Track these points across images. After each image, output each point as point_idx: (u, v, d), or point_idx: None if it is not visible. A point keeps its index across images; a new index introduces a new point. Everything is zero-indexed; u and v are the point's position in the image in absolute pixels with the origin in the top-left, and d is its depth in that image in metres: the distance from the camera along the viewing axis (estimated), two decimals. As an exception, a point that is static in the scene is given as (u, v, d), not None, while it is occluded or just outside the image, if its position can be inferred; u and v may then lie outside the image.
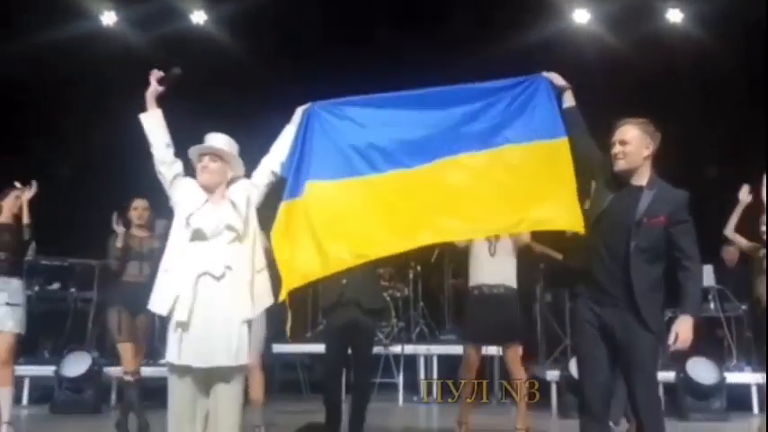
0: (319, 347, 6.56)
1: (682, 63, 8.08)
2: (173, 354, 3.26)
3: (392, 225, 3.74)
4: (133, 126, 3.52)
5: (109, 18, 8.55)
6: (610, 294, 3.29)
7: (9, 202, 5.07)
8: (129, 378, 5.26)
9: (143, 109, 3.49)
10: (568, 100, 3.65)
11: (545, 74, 3.68)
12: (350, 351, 4.97)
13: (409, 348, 7.28)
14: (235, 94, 8.10)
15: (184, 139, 3.55)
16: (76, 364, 6.58)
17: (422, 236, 3.76)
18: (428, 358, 7.29)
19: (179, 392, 3.28)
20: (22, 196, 5.06)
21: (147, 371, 6.66)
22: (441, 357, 7.23)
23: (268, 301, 3.49)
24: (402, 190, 3.75)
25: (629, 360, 3.25)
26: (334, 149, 3.77)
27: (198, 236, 3.32)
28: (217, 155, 3.44)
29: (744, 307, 6.92)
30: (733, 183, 5.66)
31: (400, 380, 7.18)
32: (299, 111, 3.80)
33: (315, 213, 3.69)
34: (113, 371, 6.45)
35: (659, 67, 7.98)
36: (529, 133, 3.66)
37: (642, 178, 3.36)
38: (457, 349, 6.32)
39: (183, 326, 3.23)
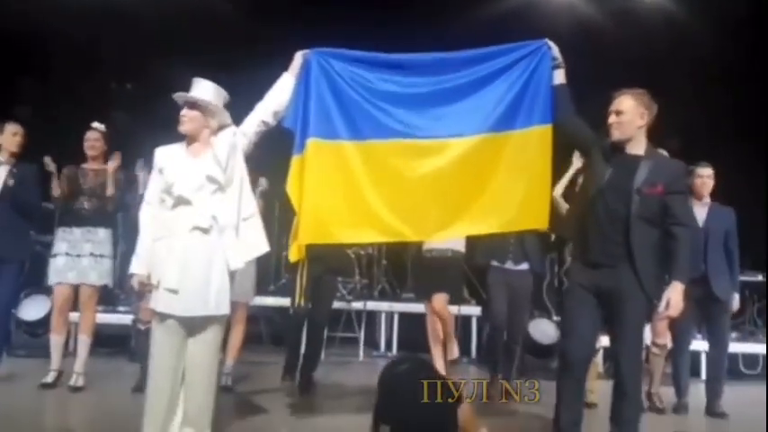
0: (281, 301, 6.62)
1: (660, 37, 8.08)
2: (156, 301, 3.27)
3: (383, 206, 3.69)
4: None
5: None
6: (608, 257, 3.36)
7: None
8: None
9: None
10: (560, 77, 3.60)
11: (549, 42, 3.61)
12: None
13: (371, 305, 7.39)
14: (222, 45, 7.87)
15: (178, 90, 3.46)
16: (35, 308, 6.51)
17: (404, 229, 3.75)
18: (389, 315, 7.43)
19: (161, 339, 3.30)
20: (108, 167, 4.99)
21: (106, 317, 6.66)
22: (402, 315, 7.35)
23: (260, 249, 3.45)
24: (398, 163, 3.69)
25: (619, 320, 3.35)
26: (338, 107, 3.66)
27: (181, 201, 3.29)
28: (194, 103, 3.38)
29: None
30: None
31: (362, 335, 7.29)
32: (298, 56, 3.68)
33: (312, 174, 3.62)
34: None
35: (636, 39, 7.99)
36: (528, 118, 3.64)
37: (638, 147, 3.42)
38: (417, 307, 6.41)
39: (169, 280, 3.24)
